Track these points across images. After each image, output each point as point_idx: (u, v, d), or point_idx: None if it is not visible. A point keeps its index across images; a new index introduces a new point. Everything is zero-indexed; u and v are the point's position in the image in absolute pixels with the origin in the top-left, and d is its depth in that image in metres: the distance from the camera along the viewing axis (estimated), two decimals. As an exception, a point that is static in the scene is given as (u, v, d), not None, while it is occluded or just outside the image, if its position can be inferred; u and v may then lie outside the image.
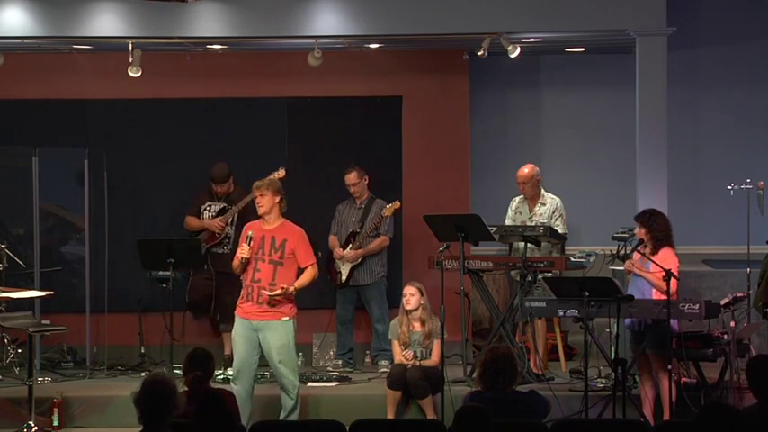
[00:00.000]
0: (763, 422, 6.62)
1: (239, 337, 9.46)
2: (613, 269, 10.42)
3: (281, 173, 11.01)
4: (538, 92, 12.89)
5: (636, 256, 9.58)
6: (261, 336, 9.38)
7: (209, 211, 11.43)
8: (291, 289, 9.34)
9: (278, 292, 9.28)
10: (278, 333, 9.35)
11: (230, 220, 11.30)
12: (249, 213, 11.26)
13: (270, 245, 9.37)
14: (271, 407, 9.75)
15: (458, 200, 11.88)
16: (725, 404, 6.71)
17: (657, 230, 9.53)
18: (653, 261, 9.34)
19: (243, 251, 9.39)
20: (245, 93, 12.16)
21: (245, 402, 9.23)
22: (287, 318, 9.37)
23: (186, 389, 7.48)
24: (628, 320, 9.54)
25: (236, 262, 9.49)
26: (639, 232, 9.61)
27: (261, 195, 9.43)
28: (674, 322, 9.41)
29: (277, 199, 9.41)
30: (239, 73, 12.16)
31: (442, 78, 12.21)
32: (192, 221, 11.41)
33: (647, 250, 9.53)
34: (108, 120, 12.15)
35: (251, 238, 9.41)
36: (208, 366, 7.86)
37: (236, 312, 9.54)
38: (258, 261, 9.39)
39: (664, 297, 9.28)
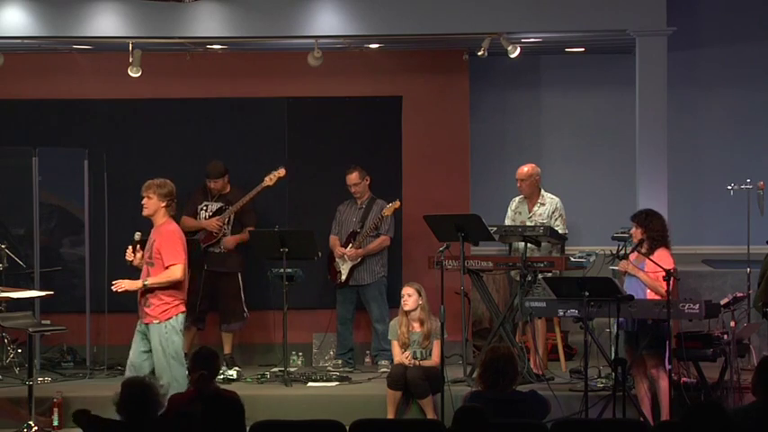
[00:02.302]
0: (761, 420, 6.62)
1: (135, 334, 9.42)
2: (613, 269, 10.39)
3: (281, 172, 11.10)
4: (538, 92, 12.88)
5: (632, 256, 9.57)
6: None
7: (205, 210, 11.44)
8: (139, 284, 9.23)
9: (122, 288, 9.26)
10: (152, 336, 9.25)
11: (227, 220, 11.32)
12: (246, 213, 11.32)
13: (149, 247, 9.37)
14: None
15: (458, 200, 11.87)
16: (711, 403, 6.71)
17: (653, 231, 9.50)
18: (652, 260, 9.32)
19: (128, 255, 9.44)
20: (245, 93, 12.15)
21: None
22: (157, 321, 9.24)
23: (191, 388, 7.50)
24: (621, 321, 9.48)
25: None
26: (635, 232, 9.57)
27: (147, 198, 9.40)
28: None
29: (163, 203, 9.34)
30: (239, 73, 12.16)
31: (442, 78, 12.20)
32: (188, 221, 11.32)
33: (644, 250, 9.52)
34: (108, 120, 12.14)
35: (137, 242, 9.45)
36: (213, 365, 7.86)
37: None
38: (144, 264, 9.40)
39: (657, 297, 9.29)
